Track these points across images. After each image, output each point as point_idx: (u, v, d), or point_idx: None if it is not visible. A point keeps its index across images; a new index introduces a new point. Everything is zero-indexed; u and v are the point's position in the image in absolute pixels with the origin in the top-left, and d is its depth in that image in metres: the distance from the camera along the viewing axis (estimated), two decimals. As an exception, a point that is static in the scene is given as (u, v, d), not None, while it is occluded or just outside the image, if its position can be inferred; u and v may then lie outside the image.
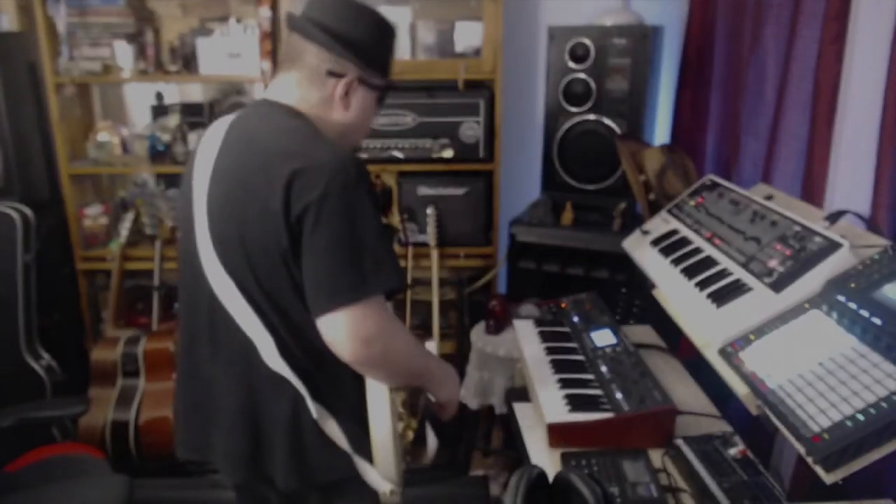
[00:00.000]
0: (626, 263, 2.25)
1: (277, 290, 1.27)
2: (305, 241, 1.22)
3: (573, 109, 2.66)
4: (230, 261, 1.30)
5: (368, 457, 1.31)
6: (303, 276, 1.23)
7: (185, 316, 1.44)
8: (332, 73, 1.33)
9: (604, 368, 1.66)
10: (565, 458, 1.44)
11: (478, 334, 2.58)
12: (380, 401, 1.29)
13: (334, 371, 1.27)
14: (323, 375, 1.30)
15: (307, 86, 1.35)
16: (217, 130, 1.40)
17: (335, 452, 1.33)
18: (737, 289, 1.46)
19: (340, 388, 1.32)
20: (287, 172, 1.21)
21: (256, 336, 1.29)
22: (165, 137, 3.02)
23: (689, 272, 1.64)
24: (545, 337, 1.90)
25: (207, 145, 1.39)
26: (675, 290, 1.65)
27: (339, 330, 1.21)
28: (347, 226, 1.20)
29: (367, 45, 1.34)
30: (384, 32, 1.38)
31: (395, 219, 2.90)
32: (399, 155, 2.85)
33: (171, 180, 3.29)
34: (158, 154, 3.01)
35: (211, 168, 1.35)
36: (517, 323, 2.02)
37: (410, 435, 1.39)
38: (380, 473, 1.31)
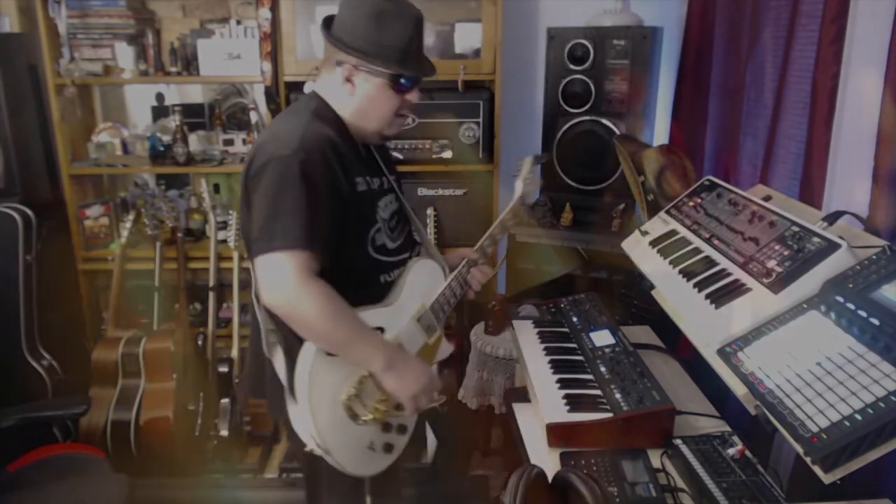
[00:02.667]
0: (625, 264, 2.25)
1: (248, 237, 1.51)
2: (251, 198, 1.47)
3: (572, 110, 2.67)
4: (241, 214, 1.59)
5: (293, 393, 1.45)
6: None
7: None
8: (338, 62, 1.53)
9: (603, 369, 1.67)
10: (564, 457, 1.44)
11: (477, 334, 2.59)
12: (307, 354, 1.43)
13: None
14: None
15: (326, 75, 1.58)
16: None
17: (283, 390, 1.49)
18: (735, 289, 1.46)
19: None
20: (258, 144, 1.52)
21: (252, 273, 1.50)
22: (166, 138, 3.02)
23: (688, 273, 1.64)
24: (544, 337, 1.90)
25: None
26: (673, 291, 1.66)
27: (256, 274, 1.42)
28: (276, 189, 1.40)
29: (360, 35, 1.49)
30: (382, 22, 1.49)
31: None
32: (399, 156, 2.86)
33: (172, 181, 3.30)
34: (159, 155, 3.02)
35: None
36: (516, 323, 2.03)
37: (368, 416, 1.48)
38: (300, 419, 1.43)
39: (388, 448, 1.57)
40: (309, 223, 1.39)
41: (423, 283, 1.68)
